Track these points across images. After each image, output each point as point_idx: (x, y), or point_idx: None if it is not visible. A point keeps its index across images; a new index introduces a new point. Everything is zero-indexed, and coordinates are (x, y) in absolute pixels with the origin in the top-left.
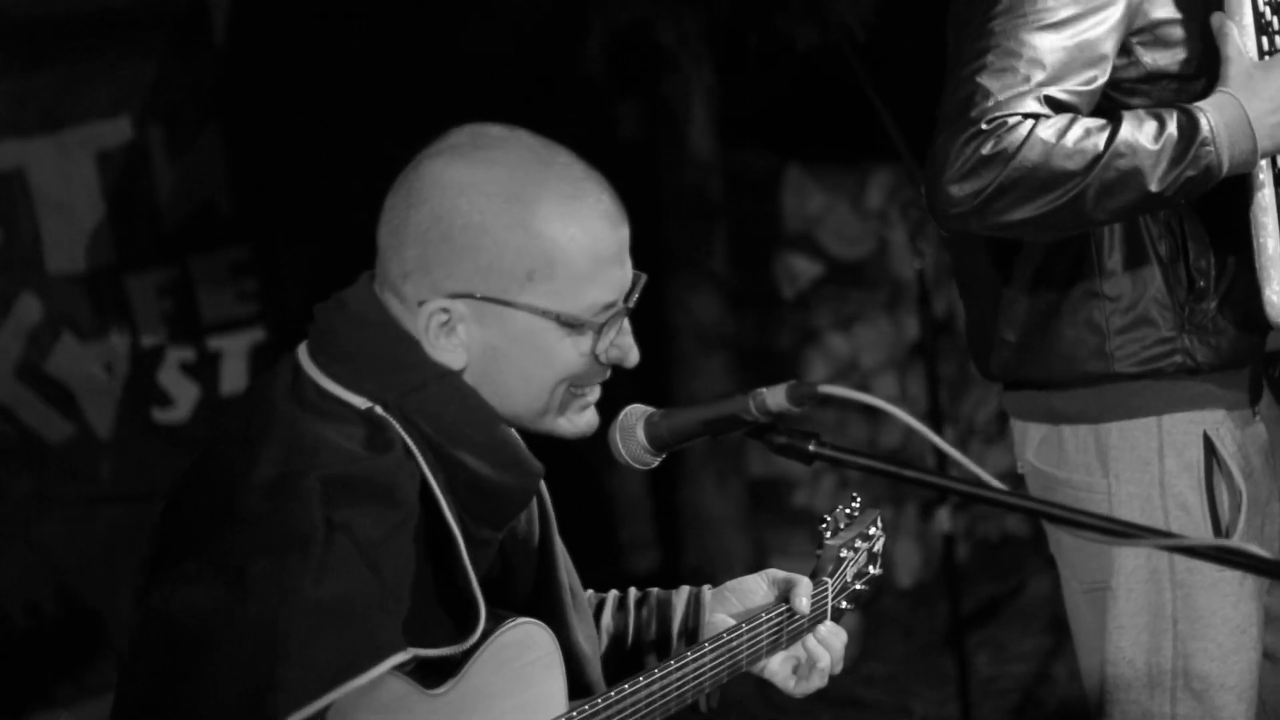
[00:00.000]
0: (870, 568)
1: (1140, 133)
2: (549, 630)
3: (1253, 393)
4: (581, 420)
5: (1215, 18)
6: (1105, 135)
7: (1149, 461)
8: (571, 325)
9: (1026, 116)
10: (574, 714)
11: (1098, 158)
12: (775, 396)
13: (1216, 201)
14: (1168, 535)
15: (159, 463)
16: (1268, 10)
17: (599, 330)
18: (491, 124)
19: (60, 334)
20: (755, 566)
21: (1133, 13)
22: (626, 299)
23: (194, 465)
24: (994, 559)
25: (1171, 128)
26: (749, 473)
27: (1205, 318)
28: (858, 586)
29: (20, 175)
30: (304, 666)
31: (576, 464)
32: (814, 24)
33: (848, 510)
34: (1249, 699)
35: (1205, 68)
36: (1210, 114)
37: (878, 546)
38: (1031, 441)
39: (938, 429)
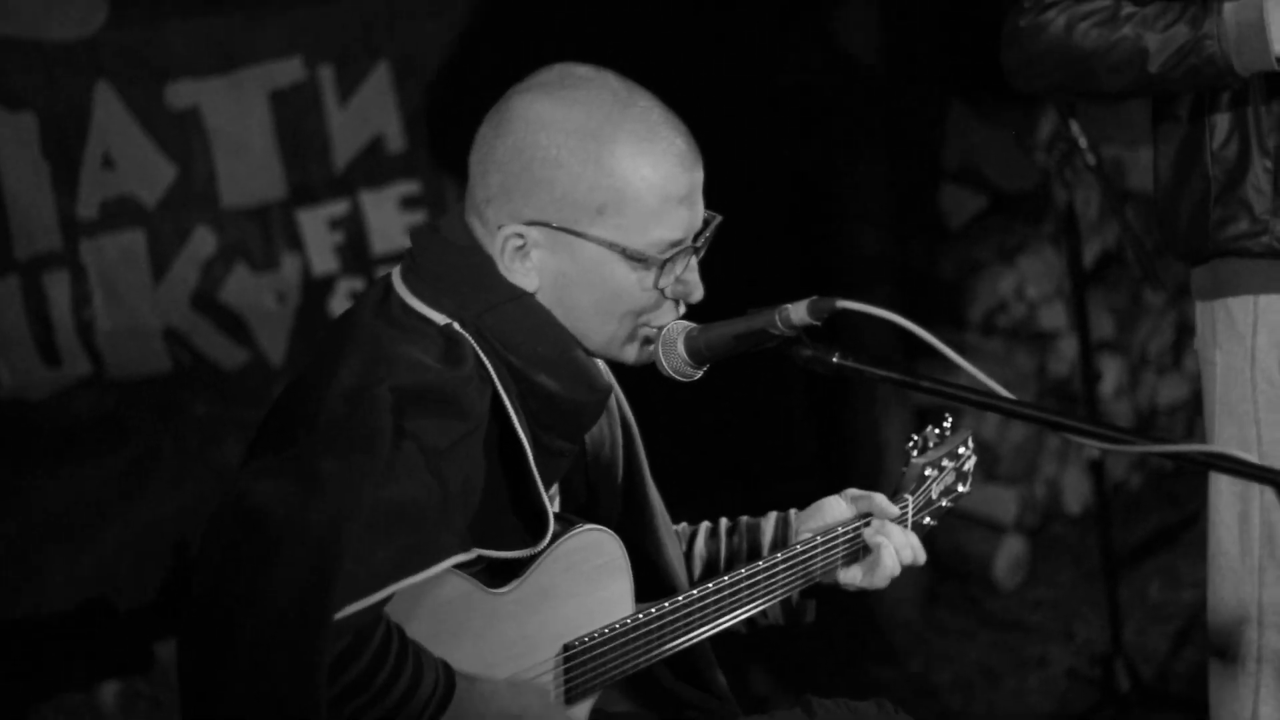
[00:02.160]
0: (959, 486)
1: (1157, 20)
2: (615, 537)
3: None
4: (646, 352)
5: None
6: (1123, 20)
7: (1244, 336)
8: (636, 259)
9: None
10: (639, 615)
11: (1108, 40)
12: (798, 311)
13: None
14: (1157, 441)
15: None
16: None
17: (662, 266)
18: (581, 64)
19: (234, 264)
20: None
21: None
22: (696, 239)
23: (298, 374)
24: (1165, 488)
25: (1185, 19)
26: (914, 398)
27: None
28: (943, 503)
29: (196, 114)
30: (363, 562)
31: (737, 384)
32: None
33: (938, 430)
34: None
35: None
36: (1226, 10)
37: (968, 466)
38: (1195, 318)
39: (1091, 358)
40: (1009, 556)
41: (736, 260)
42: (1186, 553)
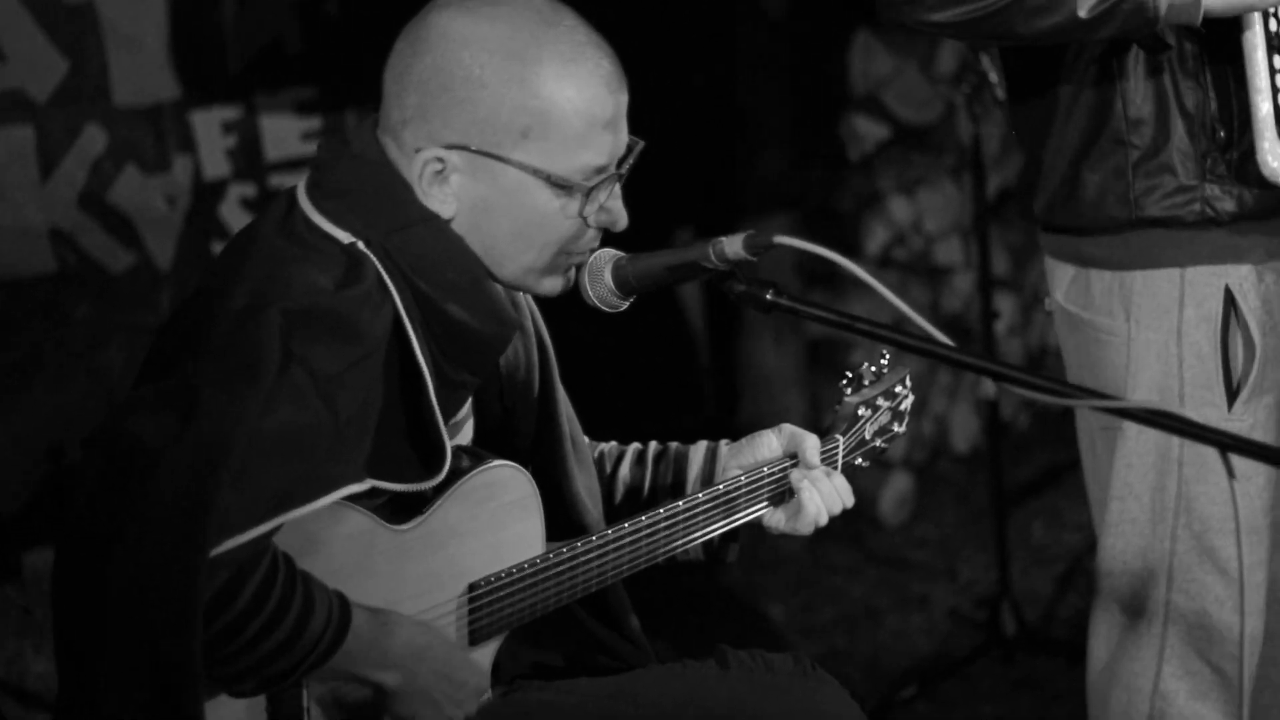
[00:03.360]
0: (895, 425)
1: None
2: (526, 474)
3: None
4: (563, 282)
5: None
6: None
7: (1169, 310)
8: (561, 186)
9: None
10: (550, 555)
11: None
12: (733, 245)
13: (1240, 53)
14: (1103, 396)
15: None
16: None
17: (588, 194)
18: None
19: (124, 165)
20: (810, 424)
21: None
22: (619, 164)
23: (195, 288)
24: (1053, 429)
25: None
26: (807, 331)
27: (1226, 169)
28: (877, 444)
29: (90, 9)
30: (245, 493)
31: (633, 319)
32: None
33: (874, 367)
34: (1250, 545)
35: None
36: None
37: (904, 405)
38: (1061, 282)
39: (991, 296)
40: (895, 493)
41: (635, 185)
42: (1069, 494)
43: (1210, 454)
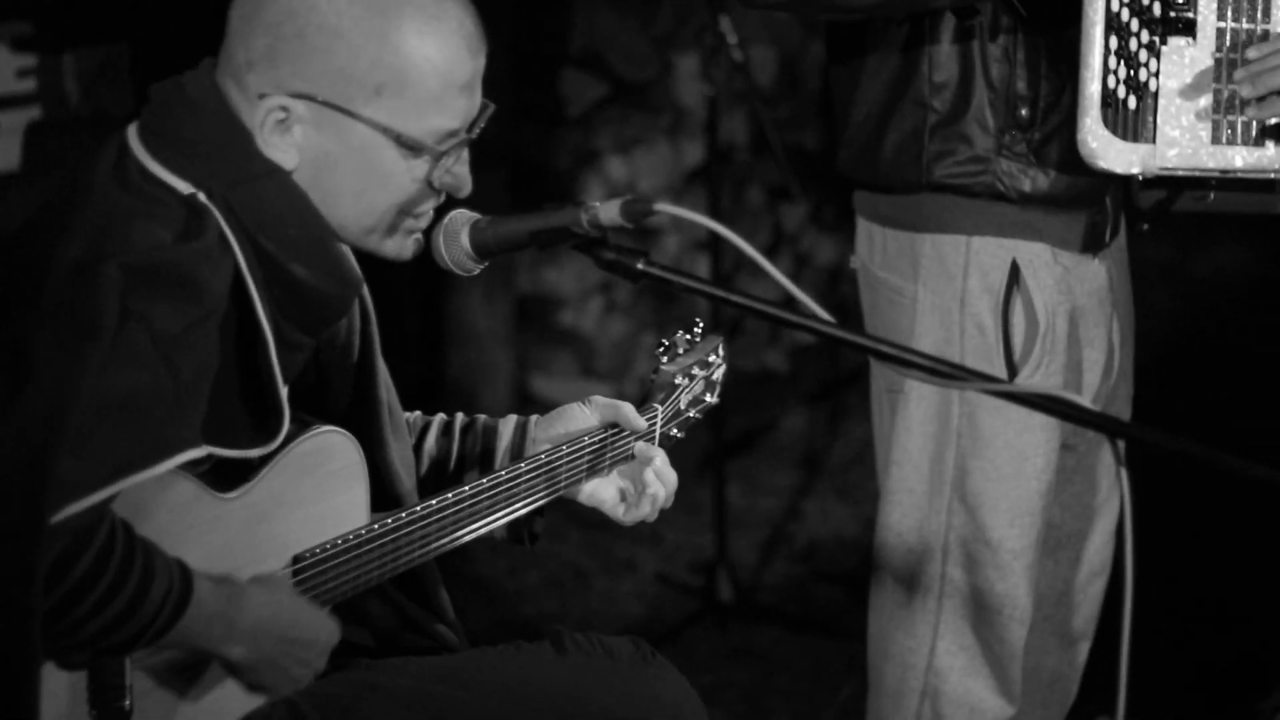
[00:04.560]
0: (708, 395)
1: None
2: (355, 441)
3: (1090, 238)
4: (407, 244)
5: None
6: None
7: (954, 276)
8: (410, 148)
9: None
10: (375, 526)
11: None
12: (609, 211)
13: (1059, 36)
14: (991, 380)
15: None
16: None
17: (437, 157)
18: None
19: None
20: (516, 383)
21: None
22: (470, 128)
23: (20, 235)
24: (751, 393)
25: None
26: (517, 288)
27: (1025, 148)
28: (691, 414)
29: None
30: (83, 459)
31: None
32: None
33: (688, 336)
34: (1022, 527)
35: None
36: None
37: (717, 375)
38: (863, 238)
39: (718, 258)
40: None
41: None
42: (765, 459)
43: (989, 429)
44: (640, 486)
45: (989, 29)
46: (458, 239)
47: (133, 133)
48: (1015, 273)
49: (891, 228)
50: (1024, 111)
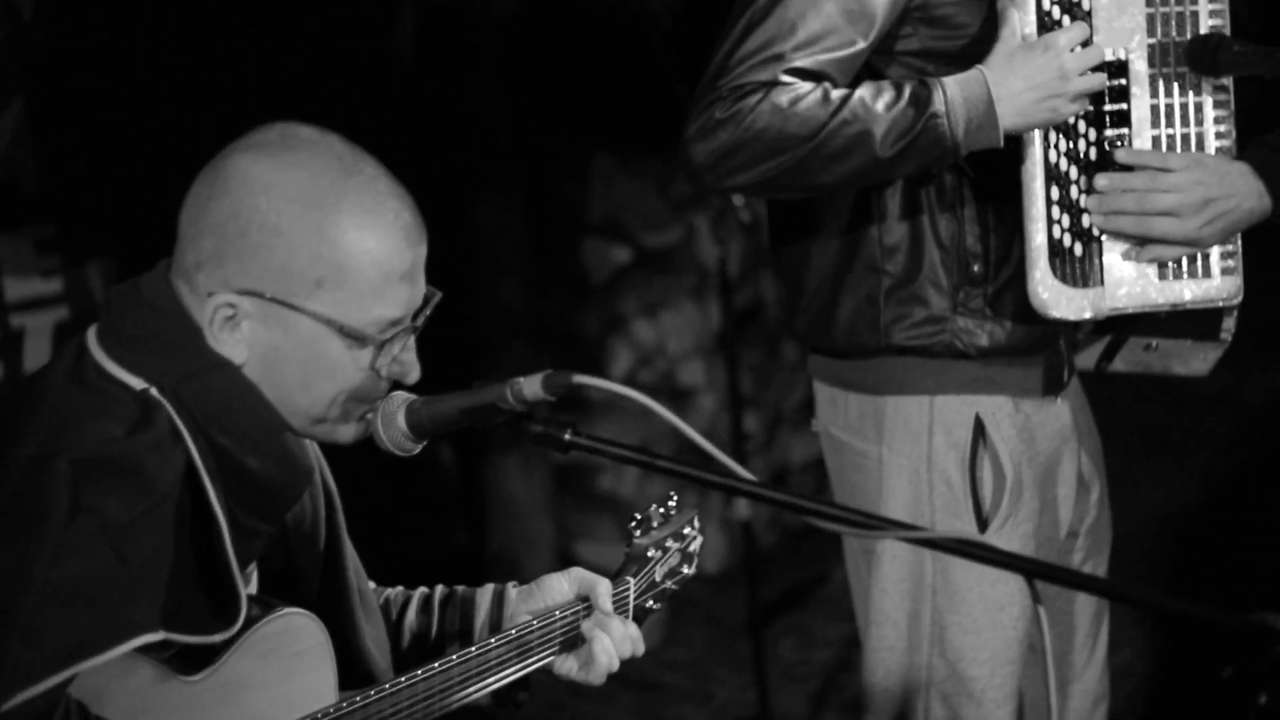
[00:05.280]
0: (684, 567)
1: (875, 100)
2: (318, 622)
3: (1048, 381)
4: (356, 430)
5: (1001, 1)
6: (838, 103)
7: (919, 436)
8: (353, 338)
9: (766, 84)
10: (344, 705)
11: (825, 124)
12: (531, 385)
13: (1003, 190)
14: (906, 528)
15: None
16: (1056, 9)
17: (380, 346)
18: (305, 125)
19: None
20: (560, 551)
21: None
22: (415, 317)
23: None
24: (798, 547)
25: (906, 97)
26: (554, 457)
27: (981, 303)
28: (668, 585)
29: None
30: (36, 646)
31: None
32: (623, 11)
33: (662, 509)
34: (1003, 676)
35: (986, 51)
36: (950, 87)
37: (693, 546)
38: (824, 402)
39: (740, 416)
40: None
41: None
42: (818, 611)
43: (963, 583)
44: (590, 659)
45: (936, 189)
46: (394, 420)
47: (92, 334)
48: (980, 427)
49: (853, 391)
50: (976, 268)
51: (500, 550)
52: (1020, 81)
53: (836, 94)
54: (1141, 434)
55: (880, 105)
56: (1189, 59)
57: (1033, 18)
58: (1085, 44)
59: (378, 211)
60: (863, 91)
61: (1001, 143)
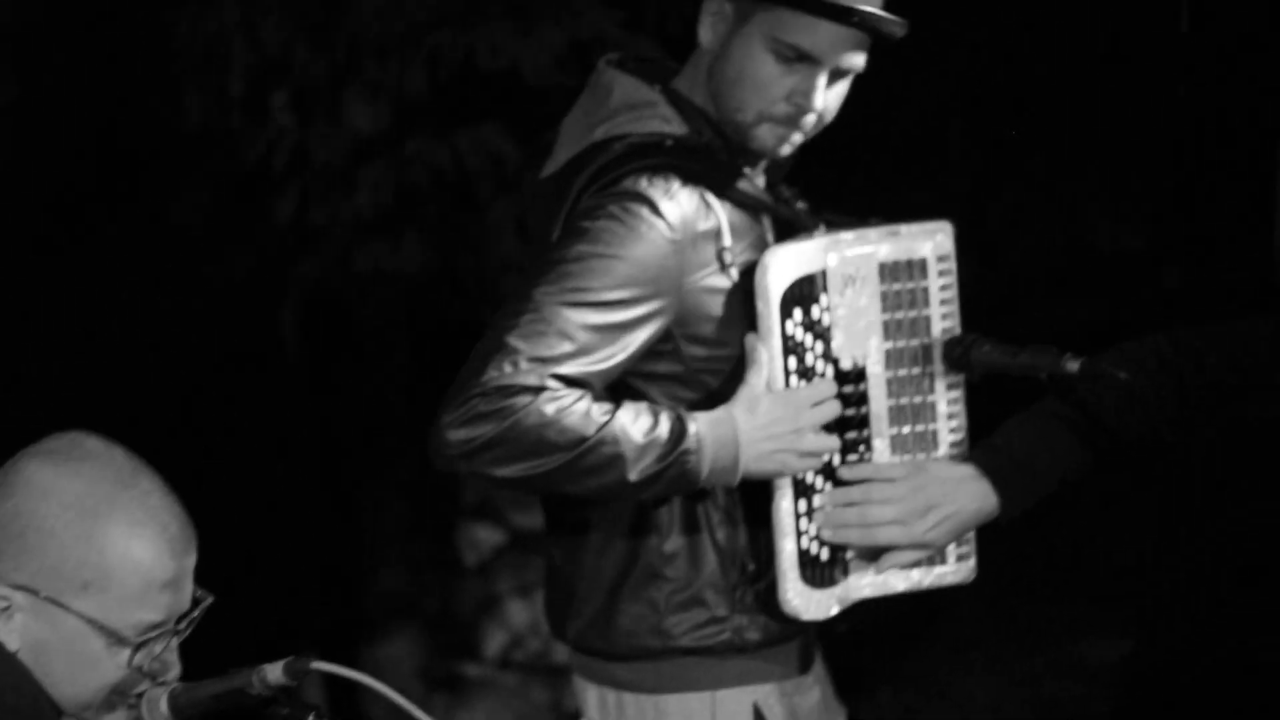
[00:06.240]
0: None
1: (633, 427)
2: None
3: (803, 661)
4: (124, 716)
5: (749, 339)
6: (600, 422)
7: None
8: (114, 638)
9: (534, 389)
10: None
11: (584, 439)
12: (274, 672)
13: (769, 493)
14: None
15: None
16: (799, 330)
17: (138, 647)
18: (93, 436)
19: None
20: None
21: (679, 310)
22: (179, 621)
23: None
24: None
25: (663, 429)
26: None
27: (753, 599)
28: None
29: None
30: None
31: None
32: None
33: None
34: None
35: (740, 376)
36: (702, 426)
37: None
38: (593, 702)
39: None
40: None
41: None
42: None
43: None
44: None
45: (711, 496)
46: (157, 707)
47: None
48: (758, 715)
49: (630, 691)
50: (751, 566)
51: None
52: (759, 431)
53: (599, 412)
54: None
55: (637, 432)
56: (944, 358)
57: (778, 345)
58: (831, 399)
59: (146, 523)
60: (623, 416)
61: (737, 483)
